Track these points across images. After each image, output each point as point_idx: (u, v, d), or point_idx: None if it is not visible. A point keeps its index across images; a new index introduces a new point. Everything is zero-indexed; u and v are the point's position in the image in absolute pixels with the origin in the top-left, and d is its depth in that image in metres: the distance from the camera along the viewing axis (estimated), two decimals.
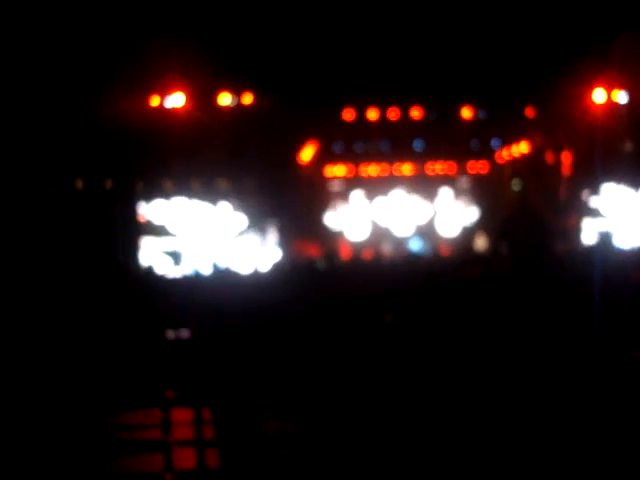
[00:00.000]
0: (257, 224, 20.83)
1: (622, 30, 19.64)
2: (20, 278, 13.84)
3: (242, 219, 20.87)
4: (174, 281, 16.25)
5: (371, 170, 22.69)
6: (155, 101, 19.89)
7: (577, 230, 21.31)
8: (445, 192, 22.88)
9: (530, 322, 10.34)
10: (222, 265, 17.51)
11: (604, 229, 20.94)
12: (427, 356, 9.60)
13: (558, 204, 21.47)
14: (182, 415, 8.93)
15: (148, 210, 20.28)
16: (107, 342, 10.65)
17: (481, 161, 22.93)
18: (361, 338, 10.05)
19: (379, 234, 22.39)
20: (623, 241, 20.54)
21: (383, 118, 21.95)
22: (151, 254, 20.18)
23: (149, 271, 18.39)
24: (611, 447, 6.96)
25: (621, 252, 16.78)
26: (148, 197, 20.45)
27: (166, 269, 19.50)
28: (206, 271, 16.90)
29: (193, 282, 15.12)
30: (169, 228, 20.43)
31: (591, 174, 21.12)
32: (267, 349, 9.81)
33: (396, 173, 22.72)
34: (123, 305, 11.52)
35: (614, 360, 8.82)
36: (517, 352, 9.46)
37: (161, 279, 16.99)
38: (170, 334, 10.96)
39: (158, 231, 20.10)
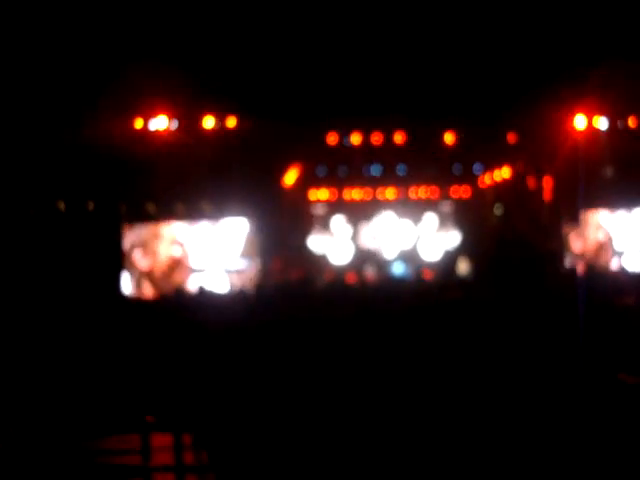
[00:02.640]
0: (242, 246, 20.85)
1: (603, 56, 19.83)
2: (5, 296, 13.79)
3: (229, 241, 20.89)
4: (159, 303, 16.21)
5: (355, 194, 22.77)
6: (139, 124, 19.92)
7: (560, 254, 21.42)
8: (428, 216, 22.98)
9: (513, 343, 10.37)
10: (205, 286, 17.50)
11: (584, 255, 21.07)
12: (407, 375, 9.61)
13: (540, 229, 21.58)
14: (162, 440, 8.89)
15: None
16: (87, 364, 10.60)
17: (464, 186, 23.06)
18: (343, 359, 10.04)
19: (362, 258, 22.44)
20: (606, 265, 20.66)
21: (367, 142, 22.05)
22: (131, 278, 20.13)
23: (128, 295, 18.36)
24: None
25: (604, 276, 16.88)
26: (131, 220, 20.43)
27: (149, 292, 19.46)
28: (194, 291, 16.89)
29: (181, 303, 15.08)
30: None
31: (572, 199, 21.27)
32: (247, 370, 9.79)
33: (380, 197, 22.81)
34: (104, 328, 11.48)
35: (598, 383, 8.84)
36: (498, 369, 9.49)
37: (145, 302, 16.96)
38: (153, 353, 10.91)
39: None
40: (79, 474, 8.07)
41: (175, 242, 20.63)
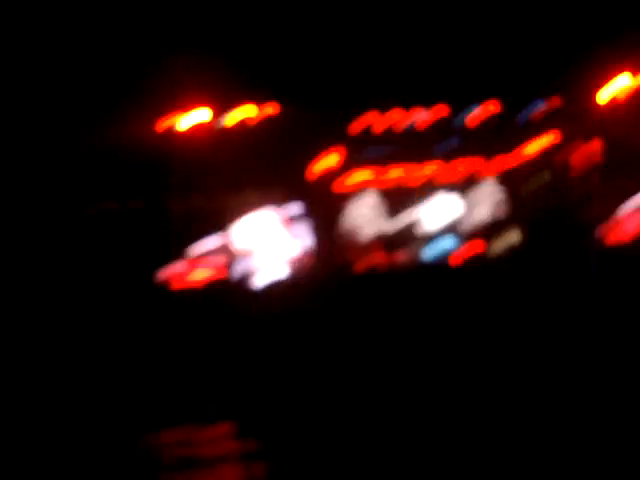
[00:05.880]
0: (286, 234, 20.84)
1: None
2: (43, 297, 13.99)
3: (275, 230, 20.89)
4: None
5: (393, 174, 22.60)
6: (176, 119, 20.01)
7: (610, 219, 21.02)
8: (473, 189, 22.74)
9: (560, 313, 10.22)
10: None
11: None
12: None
13: (589, 193, 21.23)
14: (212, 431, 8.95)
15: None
16: (143, 361, 10.69)
17: (510, 156, 22.76)
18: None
19: (401, 236, 22.24)
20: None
21: (408, 119, 21.87)
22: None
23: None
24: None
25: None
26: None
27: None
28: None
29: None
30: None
31: (622, 161, 20.88)
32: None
33: (419, 175, 22.62)
34: (154, 323, 11.57)
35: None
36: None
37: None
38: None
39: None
40: (136, 467, 8.16)
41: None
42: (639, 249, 15.40)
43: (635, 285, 10.29)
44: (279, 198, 20.74)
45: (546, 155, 22.66)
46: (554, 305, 10.40)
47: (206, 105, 20.35)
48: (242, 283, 16.14)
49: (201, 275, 18.86)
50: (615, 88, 20.74)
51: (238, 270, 19.93)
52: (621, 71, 20.71)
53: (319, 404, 8.93)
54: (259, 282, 17.19)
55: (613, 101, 20.84)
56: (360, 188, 22.37)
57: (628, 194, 20.91)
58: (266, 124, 20.83)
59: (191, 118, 20.17)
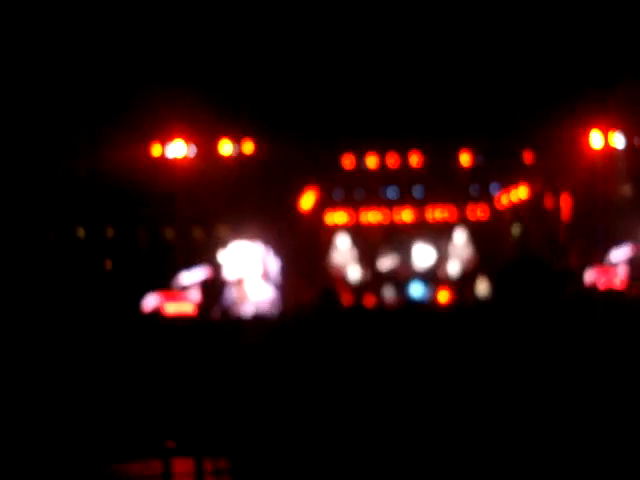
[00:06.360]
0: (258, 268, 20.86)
1: (619, 75, 19.81)
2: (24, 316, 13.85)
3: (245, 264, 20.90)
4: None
5: (371, 217, 22.76)
6: (156, 150, 20.04)
7: (579, 273, 21.29)
8: (445, 238, 22.93)
9: (534, 359, 10.31)
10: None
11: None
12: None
13: (558, 248, 21.49)
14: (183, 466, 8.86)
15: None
16: (108, 389, 10.60)
17: (480, 206, 23.00)
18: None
19: (380, 280, 22.38)
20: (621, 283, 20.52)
21: (382, 164, 22.07)
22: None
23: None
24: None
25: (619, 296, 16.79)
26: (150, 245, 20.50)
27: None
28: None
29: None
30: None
31: (590, 218, 21.17)
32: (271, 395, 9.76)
33: (396, 219, 22.78)
34: (126, 350, 11.48)
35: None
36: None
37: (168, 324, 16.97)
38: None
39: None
40: None
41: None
42: (623, 300, 15.60)
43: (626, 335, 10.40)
44: (253, 232, 20.80)
45: (517, 207, 22.95)
46: (527, 356, 10.47)
47: (183, 138, 20.42)
48: (219, 315, 16.12)
49: (178, 308, 18.83)
50: (587, 143, 21.10)
51: (215, 302, 19.90)
52: (593, 127, 21.09)
53: (304, 435, 8.92)
54: (237, 314, 17.17)
55: (585, 156, 21.19)
56: (334, 228, 22.50)
57: (599, 248, 21.23)
58: (242, 160, 20.94)
59: (168, 150, 20.22)
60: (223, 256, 20.66)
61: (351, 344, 10.93)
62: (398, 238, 22.79)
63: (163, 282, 19.22)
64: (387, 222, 22.78)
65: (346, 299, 21.21)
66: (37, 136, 18.77)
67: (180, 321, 17.32)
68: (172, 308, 18.68)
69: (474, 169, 22.31)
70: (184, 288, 19.41)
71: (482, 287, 22.39)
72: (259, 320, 15.46)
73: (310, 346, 10.91)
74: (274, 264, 20.78)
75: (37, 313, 15.00)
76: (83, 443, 9.47)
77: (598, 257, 20.95)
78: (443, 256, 22.83)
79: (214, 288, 19.93)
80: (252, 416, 9.24)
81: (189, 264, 20.01)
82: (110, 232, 20.19)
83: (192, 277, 19.90)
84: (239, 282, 20.61)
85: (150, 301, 18.89)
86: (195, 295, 19.46)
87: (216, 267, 20.55)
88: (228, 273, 20.61)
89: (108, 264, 19.59)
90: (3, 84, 18.15)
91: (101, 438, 9.65)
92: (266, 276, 20.81)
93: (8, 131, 18.37)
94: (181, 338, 11.91)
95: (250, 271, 20.76)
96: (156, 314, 18.18)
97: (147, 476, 8.91)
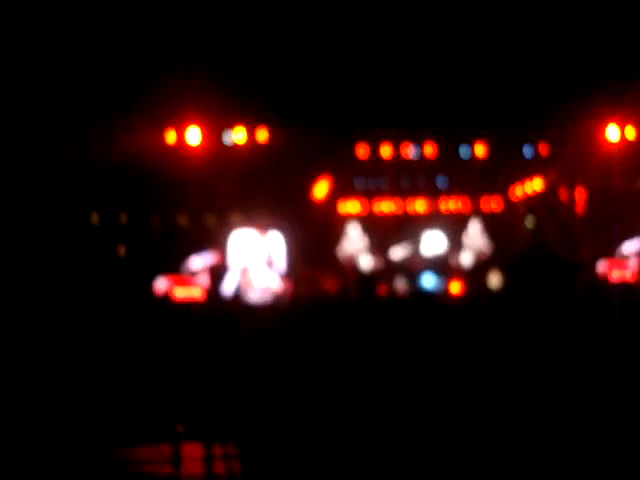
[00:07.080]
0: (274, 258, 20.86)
1: (636, 69, 19.69)
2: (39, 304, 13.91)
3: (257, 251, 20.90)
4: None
5: (384, 207, 22.72)
6: (171, 137, 20.05)
7: (591, 266, 21.21)
8: (459, 229, 22.87)
9: (545, 352, 10.28)
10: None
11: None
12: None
13: (572, 241, 21.41)
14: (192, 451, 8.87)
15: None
16: (119, 374, 10.64)
17: (495, 198, 22.93)
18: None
19: (392, 270, 22.34)
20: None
21: (397, 154, 22.02)
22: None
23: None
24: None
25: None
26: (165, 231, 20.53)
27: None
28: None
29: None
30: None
31: (604, 211, 21.08)
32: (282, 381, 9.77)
33: (409, 210, 22.74)
34: (136, 337, 11.51)
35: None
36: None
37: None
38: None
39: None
40: None
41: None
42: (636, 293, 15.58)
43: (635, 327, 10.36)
44: (266, 220, 20.79)
45: (531, 199, 22.88)
46: (539, 349, 10.46)
47: (197, 125, 20.41)
48: (228, 301, 16.15)
49: (187, 292, 18.84)
50: (603, 136, 21.00)
51: (224, 288, 19.91)
52: (609, 120, 20.98)
53: (306, 426, 8.92)
54: (246, 300, 17.19)
55: (601, 149, 21.09)
56: (347, 218, 22.48)
57: (613, 240, 21.13)
58: (255, 148, 20.93)
59: (183, 137, 20.22)
60: (231, 243, 20.68)
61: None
62: (411, 228, 22.76)
63: (173, 267, 19.24)
64: (400, 212, 22.74)
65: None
66: (53, 123, 18.82)
67: (189, 306, 17.34)
68: (181, 292, 18.69)
69: (489, 160, 22.25)
70: (193, 273, 19.42)
71: (495, 279, 22.33)
72: (266, 307, 15.48)
73: (331, 334, 10.91)
74: (282, 252, 20.77)
75: (51, 296, 15.07)
76: (94, 427, 9.50)
77: (610, 250, 20.86)
78: (456, 247, 22.78)
79: (222, 274, 19.95)
80: (261, 402, 9.25)
81: (200, 250, 20.03)
82: (124, 218, 20.23)
83: (201, 262, 19.91)
84: (244, 269, 20.61)
85: (160, 285, 18.93)
86: (204, 280, 19.46)
87: (225, 253, 20.56)
88: (234, 260, 20.61)
89: (121, 249, 19.65)
90: (21, 72, 18.21)
91: (112, 422, 9.68)
92: (271, 264, 20.80)
93: (25, 118, 18.43)
94: (191, 324, 11.95)
95: (256, 259, 20.75)
96: (166, 299, 18.21)
97: (157, 460, 8.93)
